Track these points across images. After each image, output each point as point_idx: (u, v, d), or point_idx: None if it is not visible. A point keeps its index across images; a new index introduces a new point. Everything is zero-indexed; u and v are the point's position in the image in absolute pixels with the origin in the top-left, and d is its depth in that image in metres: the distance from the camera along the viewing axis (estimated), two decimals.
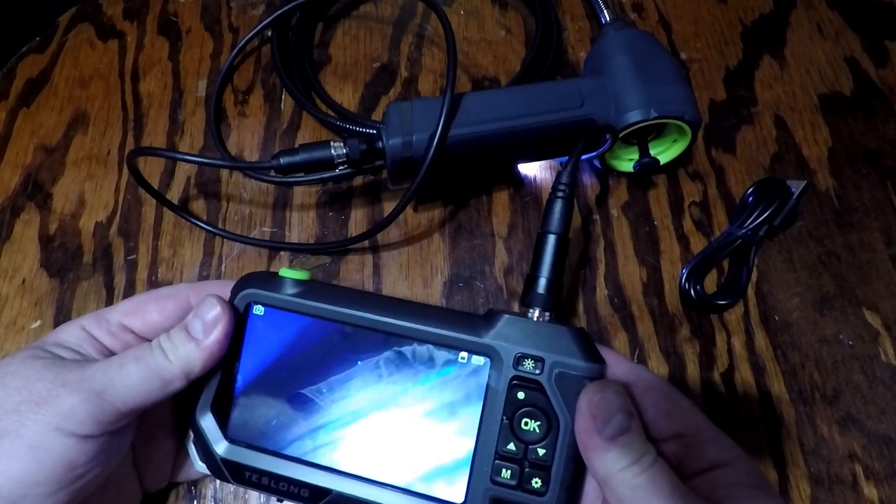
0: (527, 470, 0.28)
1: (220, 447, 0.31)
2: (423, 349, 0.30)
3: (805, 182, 0.43)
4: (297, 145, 0.42)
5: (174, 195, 0.45)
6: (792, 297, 0.41)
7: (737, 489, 0.26)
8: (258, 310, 0.31)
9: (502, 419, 0.28)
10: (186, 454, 0.33)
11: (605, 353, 0.30)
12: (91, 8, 0.53)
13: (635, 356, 0.40)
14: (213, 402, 0.31)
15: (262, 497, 0.37)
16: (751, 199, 0.42)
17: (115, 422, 0.27)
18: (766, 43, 0.50)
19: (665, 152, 0.43)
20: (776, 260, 0.42)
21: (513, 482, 0.28)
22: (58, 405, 0.26)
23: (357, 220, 0.44)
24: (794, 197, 0.42)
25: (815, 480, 0.37)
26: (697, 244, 0.43)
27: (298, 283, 0.31)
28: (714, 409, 0.38)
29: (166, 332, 0.29)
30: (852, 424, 0.38)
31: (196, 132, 0.48)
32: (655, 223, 0.44)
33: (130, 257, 0.43)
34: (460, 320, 0.30)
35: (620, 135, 0.40)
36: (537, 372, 0.28)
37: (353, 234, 0.43)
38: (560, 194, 0.32)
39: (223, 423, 0.31)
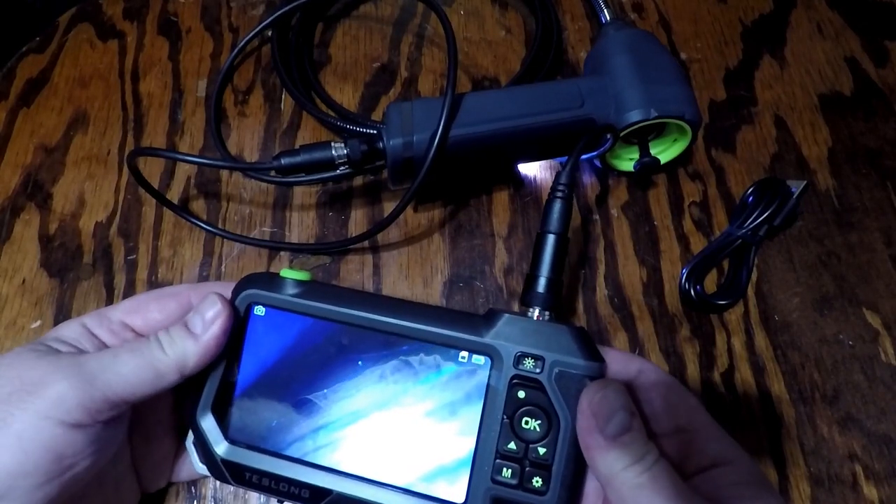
0: (527, 469, 0.28)
1: (221, 448, 0.31)
2: (423, 349, 0.30)
3: (805, 182, 0.43)
4: (297, 146, 0.42)
5: (174, 195, 0.45)
6: (792, 297, 0.41)
7: (737, 488, 0.26)
8: (259, 310, 0.31)
9: (503, 418, 0.28)
10: (186, 454, 0.33)
11: (611, 351, 0.30)
12: (91, 8, 0.53)
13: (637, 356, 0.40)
14: (213, 403, 0.31)
15: (262, 497, 0.37)
16: (751, 199, 0.42)
17: (105, 411, 0.27)
18: (766, 43, 0.50)
19: (665, 152, 0.43)
20: (776, 260, 0.42)
21: (513, 481, 0.28)
22: (47, 392, 0.26)
23: (357, 220, 0.44)
24: (794, 197, 0.42)
25: (815, 480, 0.37)
26: (697, 244, 0.43)
27: (299, 283, 0.31)
28: (714, 409, 0.38)
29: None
30: (852, 424, 0.38)
31: (196, 132, 0.48)
32: (655, 223, 0.44)
33: (130, 257, 0.43)
34: (460, 320, 0.30)
35: (621, 134, 0.40)
36: (538, 371, 0.28)
37: (353, 234, 0.43)
38: (559, 194, 0.32)
39: (223, 423, 0.31)
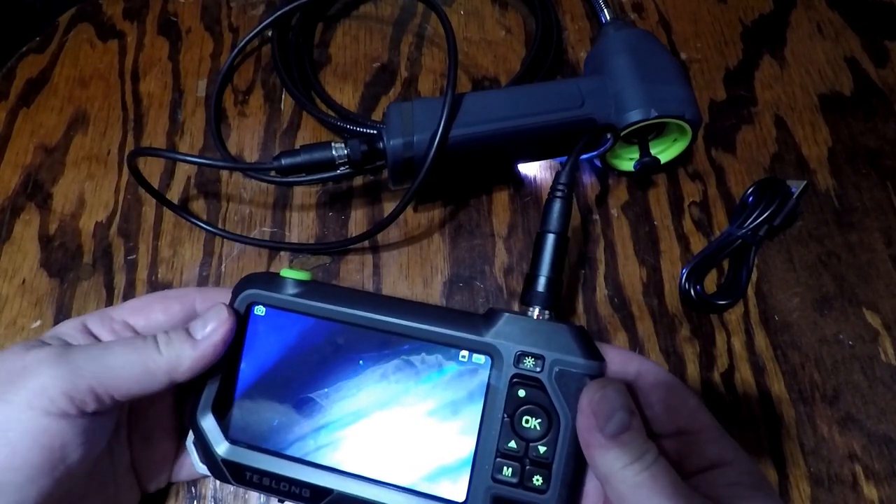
0: (528, 467, 0.28)
1: (221, 448, 0.31)
2: (423, 348, 0.30)
3: (805, 182, 0.43)
4: (297, 146, 0.42)
5: (174, 195, 0.45)
6: (792, 297, 0.41)
7: (737, 488, 0.26)
8: (259, 310, 0.31)
9: (503, 417, 0.28)
10: (186, 454, 0.33)
11: (613, 350, 0.30)
12: (91, 8, 0.53)
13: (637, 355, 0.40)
14: (213, 403, 0.31)
15: (263, 497, 0.37)
16: (751, 199, 0.42)
17: (91, 403, 0.27)
18: (766, 43, 0.50)
19: (665, 151, 0.44)
20: (776, 260, 0.42)
21: (514, 480, 0.28)
22: (29, 382, 0.26)
23: (357, 220, 0.44)
24: (794, 197, 0.42)
25: (815, 480, 0.37)
26: (697, 244, 0.43)
27: (299, 283, 0.31)
28: (714, 409, 0.38)
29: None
30: (852, 424, 0.38)
31: (196, 132, 0.48)
32: (655, 223, 0.44)
33: (130, 257, 0.43)
34: (461, 319, 0.30)
35: (621, 134, 0.40)
36: (538, 370, 0.28)
37: (353, 234, 0.43)
38: (559, 194, 0.32)
39: (224, 423, 0.31)
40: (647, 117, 0.39)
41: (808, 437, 0.38)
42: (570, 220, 0.33)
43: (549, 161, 0.45)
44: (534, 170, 0.45)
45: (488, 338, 0.29)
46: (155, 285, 0.42)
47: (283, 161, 0.38)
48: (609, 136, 0.39)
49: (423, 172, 0.38)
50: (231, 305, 0.31)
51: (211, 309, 0.30)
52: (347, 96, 0.49)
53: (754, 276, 0.42)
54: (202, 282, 0.42)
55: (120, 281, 0.42)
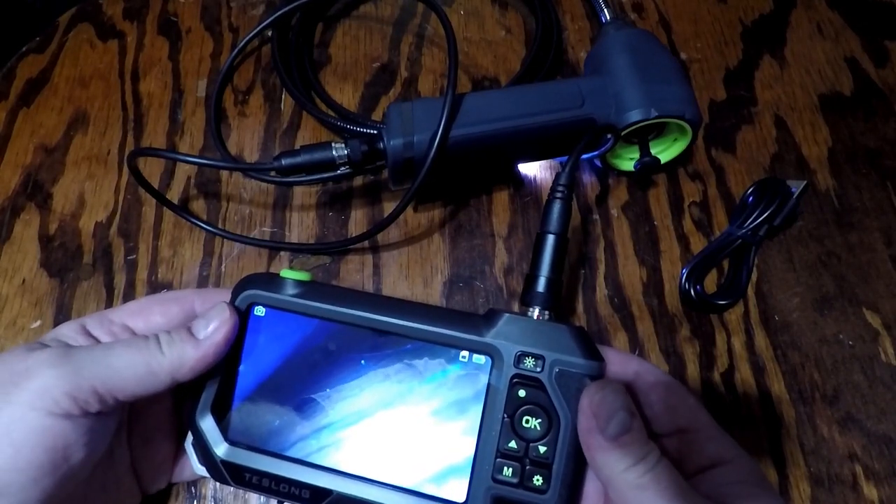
0: (528, 468, 0.28)
1: (220, 449, 0.31)
2: (424, 349, 0.30)
3: (805, 182, 0.43)
4: (297, 146, 0.42)
5: (174, 195, 0.45)
6: (792, 297, 0.41)
7: (737, 487, 0.26)
8: (259, 311, 0.31)
9: (503, 417, 0.28)
10: (186, 455, 0.33)
11: (609, 352, 0.30)
12: (91, 8, 0.53)
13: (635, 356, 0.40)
14: (213, 404, 0.31)
15: (262, 498, 0.37)
16: (751, 199, 0.42)
17: (94, 403, 0.27)
18: (766, 43, 0.50)
19: (666, 151, 0.44)
20: (776, 260, 0.42)
21: (514, 480, 0.28)
22: (33, 383, 0.26)
23: (357, 220, 0.44)
24: (794, 197, 0.42)
25: (815, 480, 0.37)
26: (697, 244, 0.43)
27: (299, 283, 0.31)
28: (714, 409, 0.38)
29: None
30: (852, 424, 0.38)
31: (196, 132, 0.48)
32: (655, 223, 0.44)
33: (130, 257, 0.43)
34: (461, 320, 0.30)
35: (622, 134, 0.40)
36: (538, 370, 0.28)
37: (353, 234, 0.43)
38: (559, 194, 0.32)
39: (223, 424, 0.31)
40: (647, 117, 0.39)
41: (808, 437, 0.38)
42: (571, 221, 0.33)
43: (549, 161, 0.45)
44: (534, 170, 0.45)
45: (488, 338, 0.29)
46: (155, 285, 0.42)
47: (284, 161, 0.38)
48: (609, 136, 0.39)
49: (423, 172, 0.38)
50: (236, 311, 0.31)
51: (213, 308, 0.30)
52: (347, 96, 0.49)
53: (754, 276, 0.42)
54: (202, 282, 0.42)
55: (120, 281, 0.42)
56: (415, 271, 0.43)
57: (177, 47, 0.51)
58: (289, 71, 0.48)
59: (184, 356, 0.28)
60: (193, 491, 0.37)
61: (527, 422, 0.28)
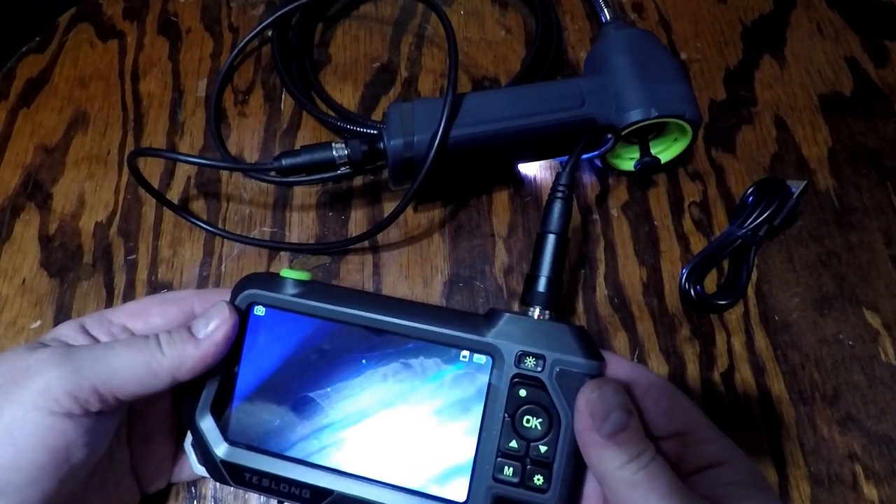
0: (529, 467, 0.28)
1: (220, 449, 0.31)
2: (424, 348, 0.30)
3: (805, 182, 0.43)
4: (298, 146, 0.42)
5: (174, 195, 0.45)
6: (792, 297, 0.41)
7: (735, 488, 0.26)
8: (259, 310, 0.31)
9: (504, 417, 0.28)
10: (186, 455, 0.33)
11: (605, 355, 0.30)
12: (91, 8, 0.53)
13: (635, 356, 0.40)
14: (212, 404, 0.31)
15: (262, 498, 0.37)
16: (751, 199, 0.42)
17: (95, 403, 0.27)
18: (766, 43, 0.50)
19: (666, 151, 0.44)
20: (776, 260, 0.42)
21: (515, 479, 0.28)
22: (34, 383, 0.26)
23: (357, 220, 0.44)
24: (794, 197, 0.42)
25: (815, 480, 0.37)
26: (697, 244, 0.43)
27: (299, 283, 0.31)
28: (714, 409, 0.38)
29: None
30: (852, 424, 0.38)
31: (196, 132, 0.48)
32: (655, 223, 0.44)
33: (130, 257, 0.43)
34: (462, 319, 0.30)
35: (622, 134, 0.40)
36: (539, 369, 0.28)
37: (353, 234, 0.43)
38: (559, 194, 0.32)
39: (223, 424, 0.31)
40: (647, 117, 0.39)
41: (808, 437, 0.38)
42: (571, 221, 0.33)
43: (549, 161, 0.45)
44: (534, 170, 0.45)
45: (489, 338, 0.29)
46: (155, 285, 0.42)
47: (284, 161, 0.38)
48: (609, 136, 0.39)
49: (423, 172, 0.38)
50: (236, 310, 0.31)
51: (213, 307, 0.30)
52: (347, 96, 0.49)
53: (754, 276, 0.42)
54: (202, 282, 0.42)
55: (120, 281, 0.42)
56: (415, 271, 0.43)
57: (177, 47, 0.51)
58: (289, 71, 0.48)
59: (184, 355, 0.28)
60: (193, 491, 0.37)
61: (527, 421, 0.28)
